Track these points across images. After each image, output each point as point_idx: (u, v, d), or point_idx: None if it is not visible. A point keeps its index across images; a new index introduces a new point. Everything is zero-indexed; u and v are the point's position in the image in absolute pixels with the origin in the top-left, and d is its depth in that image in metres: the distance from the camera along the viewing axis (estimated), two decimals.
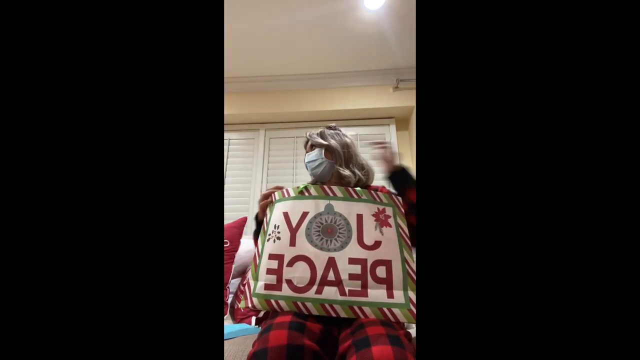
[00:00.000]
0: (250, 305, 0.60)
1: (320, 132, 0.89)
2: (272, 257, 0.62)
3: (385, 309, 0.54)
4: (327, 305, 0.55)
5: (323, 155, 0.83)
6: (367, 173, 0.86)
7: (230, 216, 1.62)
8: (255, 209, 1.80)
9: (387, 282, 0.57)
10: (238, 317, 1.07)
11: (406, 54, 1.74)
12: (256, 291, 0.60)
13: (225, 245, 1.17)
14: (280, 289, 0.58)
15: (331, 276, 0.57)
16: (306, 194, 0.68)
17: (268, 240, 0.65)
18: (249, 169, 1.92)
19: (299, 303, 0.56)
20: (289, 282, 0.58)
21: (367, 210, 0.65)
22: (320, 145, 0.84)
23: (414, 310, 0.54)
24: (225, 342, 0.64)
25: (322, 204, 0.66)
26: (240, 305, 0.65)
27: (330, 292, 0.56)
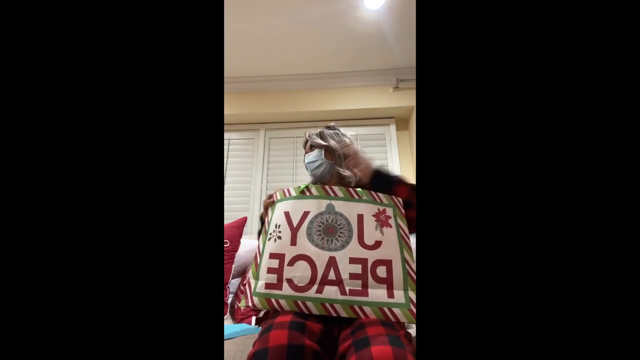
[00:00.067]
0: (250, 304, 0.60)
1: (320, 132, 0.88)
2: (272, 256, 0.62)
3: (385, 309, 0.54)
4: (327, 305, 0.55)
5: (323, 156, 0.83)
6: (368, 173, 0.86)
7: (230, 216, 1.62)
8: (255, 209, 1.81)
9: (388, 282, 0.57)
10: (238, 317, 1.07)
11: (406, 54, 1.74)
12: (257, 290, 0.60)
13: (225, 245, 1.17)
14: (280, 288, 0.58)
15: (332, 275, 0.58)
16: (307, 193, 0.68)
17: (269, 239, 0.65)
18: (249, 169, 1.92)
19: (300, 302, 0.56)
20: (289, 281, 0.58)
21: (367, 210, 0.65)
22: (320, 146, 0.84)
23: (414, 310, 0.54)
24: (225, 342, 0.64)
25: (323, 204, 0.66)
26: (240, 305, 0.66)
27: (331, 292, 0.56)
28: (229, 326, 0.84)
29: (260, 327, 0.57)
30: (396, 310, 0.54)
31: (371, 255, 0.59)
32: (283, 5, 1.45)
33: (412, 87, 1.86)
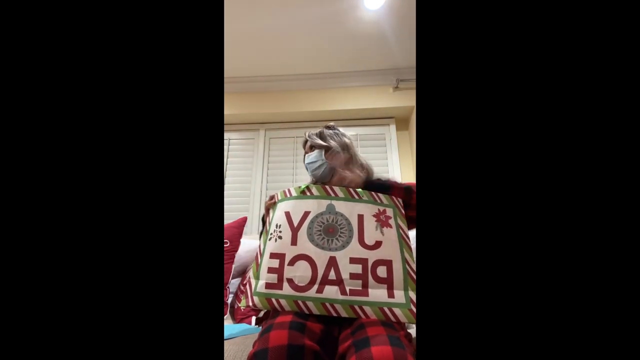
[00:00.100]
0: (251, 304, 0.60)
1: (320, 132, 0.88)
2: (273, 256, 0.62)
3: (385, 309, 0.54)
4: (327, 305, 0.55)
5: (323, 157, 0.83)
6: (367, 172, 0.86)
7: (230, 216, 1.62)
8: (255, 208, 1.81)
9: (388, 282, 0.57)
10: (238, 317, 1.07)
11: (406, 54, 1.74)
12: (257, 290, 0.60)
13: (225, 245, 1.17)
14: (281, 288, 0.58)
15: (332, 275, 0.58)
16: (308, 193, 0.68)
17: (270, 239, 0.66)
18: (249, 169, 1.92)
19: (300, 302, 0.56)
20: (289, 281, 0.58)
21: (368, 210, 0.65)
22: (320, 147, 0.84)
23: (415, 310, 0.54)
24: (225, 342, 0.64)
25: (323, 204, 0.66)
26: (241, 304, 0.66)
27: (331, 292, 0.56)
28: (229, 326, 0.84)
29: (260, 327, 0.57)
30: (396, 310, 0.54)
31: (371, 255, 0.59)
32: (283, 5, 1.45)
33: (412, 87, 1.86)
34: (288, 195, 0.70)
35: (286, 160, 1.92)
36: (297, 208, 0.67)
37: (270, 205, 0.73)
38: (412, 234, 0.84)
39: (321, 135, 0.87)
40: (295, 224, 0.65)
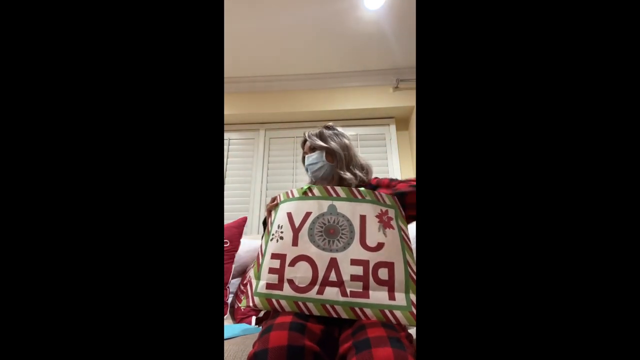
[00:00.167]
0: (251, 304, 0.60)
1: (319, 132, 0.87)
2: (274, 256, 0.62)
3: (386, 311, 0.54)
4: (328, 306, 0.55)
5: (324, 158, 0.83)
6: (367, 172, 0.86)
7: (230, 216, 1.62)
8: (255, 208, 1.81)
9: (389, 284, 0.56)
10: (238, 317, 1.07)
11: (406, 54, 1.74)
12: (258, 290, 0.60)
13: (225, 245, 1.17)
14: (281, 289, 0.58)
15: (333, 277, 0.57)
16: (310, 194, 0.68)
17: (271, 239, 0.65)
18: (249, 169, 1.92)
19: (300, 303, 0.56)
20: (290, 281, 0.58)
21: (371, 211, 0.65)
22: (321, 148, 0.84)
23: (415, 312, 0.54)
24: (225, 342, 0.64)
25: (325, 205, 0.66)
26: (241, 305, 0.66)
27: (332, 293, 0.56)
28: (229, 326, 0.84)
29: (260, 327, 0.57)
30: (397, 313, 0.53)
31: (373, 257, 0.59)
32: (283, 5, 1.45)
33: (412, 87, 1.86)
34: (290, 196, 0.70)
35: (286, 160, 1.92)
36: (298, 209, 0.67)
37: (272, 207, 0.73)
38: (412, 234, 0.84)
39: (321, 136, 0.86)
40: (297, 224, 0.64)
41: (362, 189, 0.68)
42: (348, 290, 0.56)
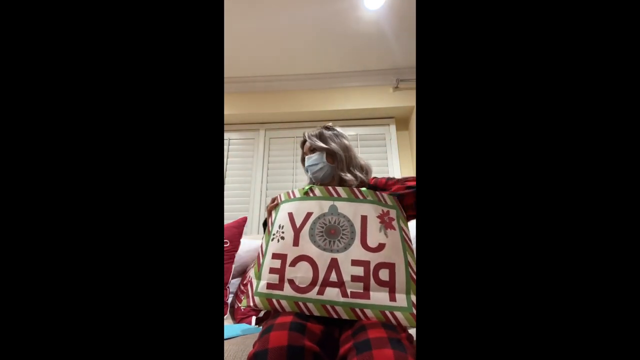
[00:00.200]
0: (252, 304, 0.60)
1: (319, 133, 0.87)
2: (275, 256, 0.62)
3: (387, 312, 0.53)
4: (328, 307, 0.55)
5: (325, 159, 0.83)
6: (367, 173, 0.86)
7: (230, 216, 1.62)
8: (255, 208, 1.81)
9: (390, 285, 0.56)
10: (238, 317, 1.07)
11: (406, 54, 1.74)
12: (258, 290, 0.60)
13: (225, 245, 1.17)
14: (282, 289, 0.58)
15: (333, 277, 0.57)
16: (311, 194, 0.68)
17: (272, 239, 0.65)
18: (249, 169, 1.92)
19: (301, 303, 0.56)
20: (291, 282, 0.58)
21: (372, 211, 0.64)
22: (321, 149, 0.83)
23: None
24: (225, 342, 0.64)
25: (326, 205, 0.66)
26: (242, 304, 0.65)
27: (332, 293, 0.56)
28: (229, 326, 0.84)
29: (261, 327, 0.57)
30: (398, 314, 0.53)
31: (374, 258, 0.59)
32: (283, 5, 1.45)
33: (412, 87, 1.86)
34: (292, 197, 0.70)
35: (286, 160, 1.92)
36: (300, 209, 0.67)
37: (273, 207, 0.73)
38: (412, 234, 0.84)
39: (321, 137, 0.85)
40: (298, 225, 0.64)
41: (363, 189, 0.68)
42: (349, 291, 0.56)
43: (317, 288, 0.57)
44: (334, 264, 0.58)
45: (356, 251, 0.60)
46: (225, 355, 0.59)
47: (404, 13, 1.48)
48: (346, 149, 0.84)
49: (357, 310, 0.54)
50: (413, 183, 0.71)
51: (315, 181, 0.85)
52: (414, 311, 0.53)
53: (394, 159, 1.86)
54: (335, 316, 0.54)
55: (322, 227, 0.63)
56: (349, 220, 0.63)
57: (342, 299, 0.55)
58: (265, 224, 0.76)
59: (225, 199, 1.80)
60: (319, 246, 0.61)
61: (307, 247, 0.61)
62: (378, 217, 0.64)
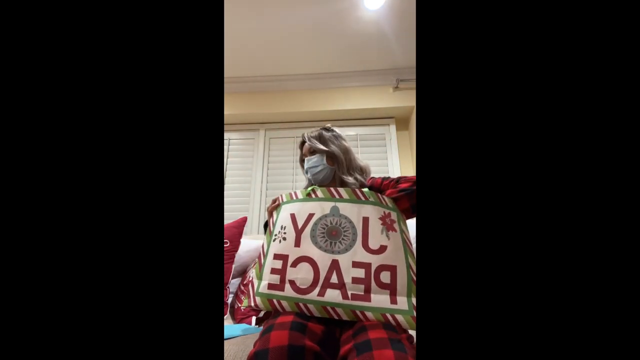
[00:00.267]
0: (253, 304, 0.60)
1: (319, 134, 0.86)
2: (276, 257, 0.62)
3: (388, 315, 0.53)
4: (329, 308, 0.55)
5: (325, 162, 0.83)
6: (366, 174, 0.86)
7: (230, 216, 1.62)
8: (255, 208, 1.80)
9: (391, 288, 0.56)
10: (238, 317, 1.07)
11: (406, 54, 1.74)
12: (259, 290, 0.60)
13: (225, 245, 1.17)
14: (282, 289, 0.58)
15: (334, 279, 0.57)
16: (313, 196, 0.68)
17: (274, 240, 0.65)
18: (249, 169, 1.92)
19: (301, 304, 0.56)
20: (292, 282, 0.58)
21: (374, 213, 0.64)
22: (321, 152, 0.83)
23: None
24: (225, 342, 0.64)
25: (327, 206, 0.65)
26: (243, 304, 0.65)
27: (333, 295, 0.55)
28: (229, 326, 0.84)
29: (261, 327, 0.57)
30: (399, 317, 0.53)
31: (375, 260, 0.58)
32: (283, 5, 1.45)
33: (412, 87, 1.86)
34: (294, 198, 0.70)
35: (286, 161, 1.92)
36: (301, 210, 0.66)
37: (274, 208, 0.73)
38: (412, 234, 0.84)
39: (321, 139, 0.85)
40: (300, 225, 0.64)
41: (365, 190, 0.68)
42: (349, 293, 0.55)
43: (317, 289, 0.56)
44: (335, 266, 0.58)
45: (357, 253, 0.59)
46: (225, 355, 0.59)
47: (404, 13, 1.48)
48: (346, 151, 0.84)
49: (358, 312, 0.54)
50: (406, 185, 0.69)
51: (314, 183, 0.85)
52: (415, 314, 0.53)
53: (394, 159, 1.86)
54: (335, 317, 0.54)
55: (324, 229, 0.63)
56: (350, 222, 0.63)
57: (342, 301, 0.55)
58: (266, 225, 0.76)
59: (225, 199, 1.80)
60: (320, 247, 0.61)
61: (309, 248, 0.61)
62: (380, 218, 0.63)
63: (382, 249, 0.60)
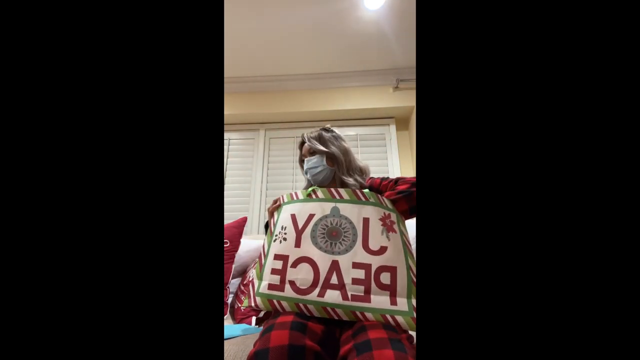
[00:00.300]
0: (253, 304, 0.60)
1: (319, 135, 0.86)
2: (277, 257, 0.62)
3: (388, 316, 0.53)
4: (329, 308, 0.55)
5: (325, 163, 0.83)
6: (365, 175, 0.86)
7: (230, 216, 1.62)
8: (255, 208, 1.80)
9: (391, 289, 0.55)
10: (238, 317, 1.07)
11: (406, 54, 1.74)
12: (260, 290, 0.60)
13: (225, 245, 1.17)
14: (283, 290, 0.58)
15: (334, 279, 0.57)
16: (314, 196, 0.68)
17: (275, 240, 0.65)
18: (249, 169, 1.92)
19: (301, 305, 0.56)
20: (292, 283, 0.58)
21: (374, 213, 0.64)
22: (321, 153, 0.83)
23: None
24: (225, 342, 0.64)
25: (328, 207, 0.65)
26: (243, 305, 0.66)
27: (333, 296, 0.55)
28: (229, 326, 0.84)
29: (261, 328, 0.57)
30: (399, 318, 0.52)
31: (375, 261, 0.58)
32: (283, 6, 1.45)
33: (412, 87, 1.86)
34: (295, 198, 0.70)
35: (286, 160, 1.92)
36: (302, 210, 0.66)
37: (275, 209, 0.73)
38: (412, 234, 0.84)
39: (321, 139, 0.85)
40: (300, 226, 0.64)
41: (366, 190, 0.68)
42: (349, 293, 0.55)
43: (317, 290, 0.56)
44: (335, 266, 0.58)
45: (357, 254, 0.59)
46: (225, 355, 0.59)
47: (404, 13, 1.48)
48: (346, 152, 0.84)
49: (358, 313, 0.54)
50: (404, 187, 0.69)
51: (314, 184, 0.85)
52: (415, 315, 0.53)
53: (394, 159, 1.86)
54: (335, 317, 0.54)
55: (324, 229, 0.63)
56: (350, 223, 0.63)
57: (342, 302, 0.55)
58: (267, 226, 0.76)
59: (225, 199, 1.80)
60: (320, 248, 0.61)
61: (309, 248, 0.61)
62: (380, 219, 0.63)
63: (383, 250, 0.59)
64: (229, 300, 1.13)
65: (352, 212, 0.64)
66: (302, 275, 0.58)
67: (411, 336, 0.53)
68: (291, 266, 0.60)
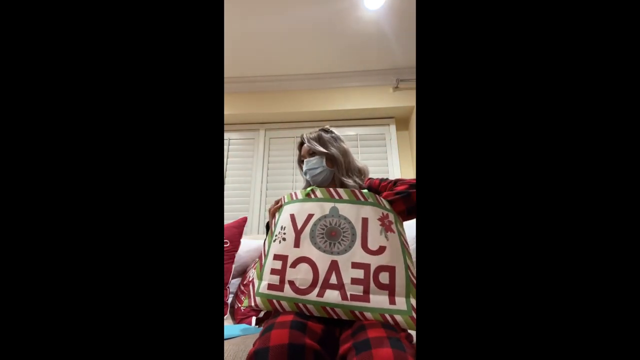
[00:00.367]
0: (253, 304, 0.60)
1: (318, 136, 0.86)
2: (276, 257, 0.62)
3: (387, 315, 0.53)
4: (328, 308, 0.55)
5: (324, 164, 0.83)
6: (364, 175, 0.86)
7: (230, 216, 1.62)
8: (255, 209, 1.81)
9: (390, 289, 0.56)
10: (238, 317, 1.07)
11: (406, 54, 1.74)
12: (259, 291, 0.60)
13: (225, 245, 1.17)
14: (282, 290, 0.58)
15: (333, 279, 0.57)
16: (313, 196, 0.68)
17: (274, 240, 0.66)
18: (249, 169, 1.92)
19: (301, 305, 0.56)
20: (291, 283, 0.58)
21: (373, 214, 0.64)
22: (321, 154, 0.83)
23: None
24: (225, 342, 0.64)
25: (327, 207, 0.65)
26: (243, 304, 0.66)
27: (332, 296, 0.56)
28: (229, 326, 0.84)
29: (261, 327, 0.57)
30: (397, 317, 0.53)
31: (374, 261, 0.58)
32: (283, 6, 1.45)
33: (412, 87, 1.86)
34: (294, 198, 0.70)
35: (286, 160, 1.92)
36: (301, 211, 0.67)
37: (276, 209, 0.73)
38: (412, 234, 0.84)
39: (320, 140, 0.85)
40: (299, 226, 0.64)
41: (364, 190, 0.68)
42: (348, 293, 0.55)
43: (317, 290, 0.56)
44: (334, 266, 0.58)
45: (356, 253, 0.59)
46: (225, 355, 0.59)
47: (404, 13, 1.48)
48: (345, 153, 0.85)
49: (357, 312, 0.54)
50: (402, 188, 0.69)
51: (313, 184, 0.85)
52: (414, 314, 0.53)
53: (394, 159, 1.86)
54: (335, 317, 0.54)
55: (323, 229, 0.63)
56: (349, 223, 0.63)
57: (342, 302, 0.55)
58: (267, 226, 0.76)
59: (225, 199, 1.80)
60: (319, 248, 0.61)
61: (308, 248, 0.61)
62: (379, 219, 0.63)
63: (381, 249, 0.59)
64: (229, 300, 1.14)
65: (351, 212, 0.64)
66: (301, 275, 0.59)
67: (410, 335, 0.53)
68: (290, 266, 0.60)
